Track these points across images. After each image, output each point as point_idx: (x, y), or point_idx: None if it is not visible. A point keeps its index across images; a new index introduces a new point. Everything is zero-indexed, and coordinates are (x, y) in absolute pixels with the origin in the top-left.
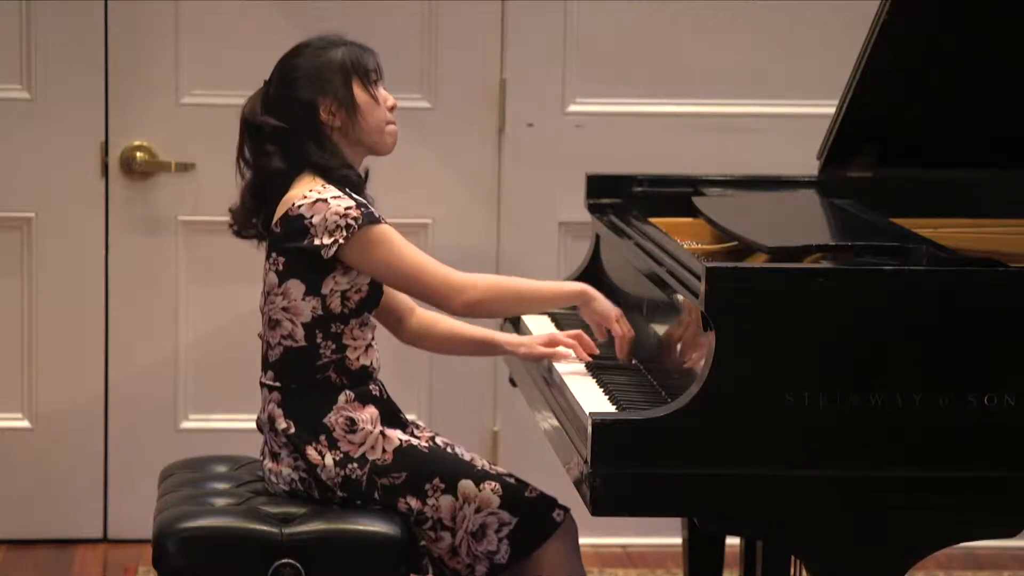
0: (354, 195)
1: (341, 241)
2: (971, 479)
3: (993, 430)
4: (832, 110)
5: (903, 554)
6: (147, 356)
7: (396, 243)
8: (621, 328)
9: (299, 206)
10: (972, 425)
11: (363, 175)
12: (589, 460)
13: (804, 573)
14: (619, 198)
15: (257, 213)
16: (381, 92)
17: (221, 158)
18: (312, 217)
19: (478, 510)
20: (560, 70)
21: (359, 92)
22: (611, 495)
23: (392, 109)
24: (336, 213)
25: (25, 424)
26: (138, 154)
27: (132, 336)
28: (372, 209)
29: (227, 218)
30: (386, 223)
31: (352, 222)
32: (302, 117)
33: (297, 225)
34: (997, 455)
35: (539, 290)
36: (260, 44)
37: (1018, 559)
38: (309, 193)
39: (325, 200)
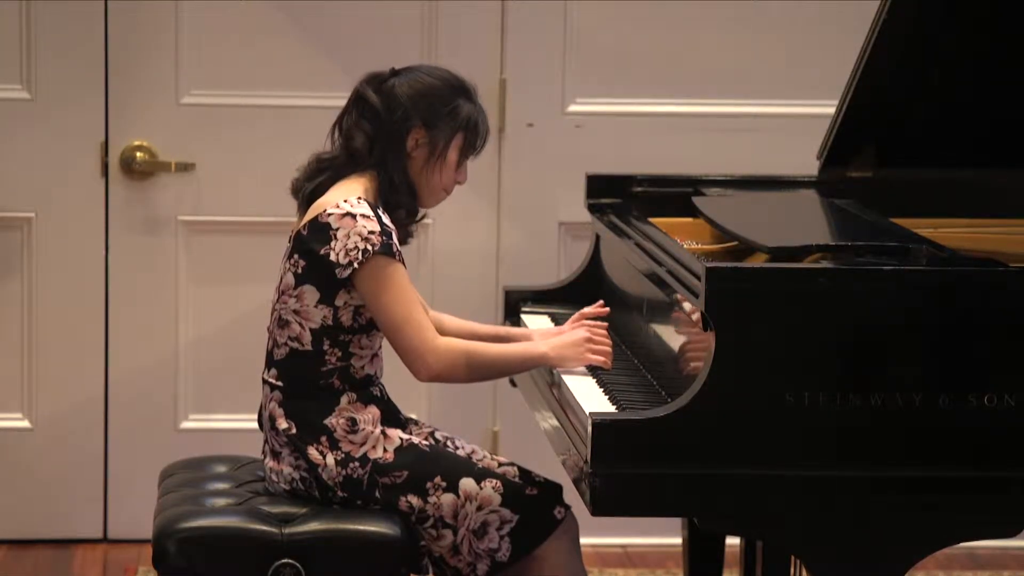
0: (383, 219)
1: (356, 266)
2: (971, 479)
3: (993, 430)
4: (832, 110)
5: (903, 554)
6: (147, 356)
7: (399, 287)
8: (602, 357)
9: (329, 214)
10: (972, 425)
11: (416, 212)
12: (589, 460)
13: (804, 573)
14: (619, 198)
15: (306, 183)
16: (466, 164)
17: (221, 158)
18: (338, 230)
19: (480, 508)
20: (560, 70)
21: (453, 151)
22: (611, 495)
23: (460, 183)
24: (359, 234)
25: (25, 424)
26: (138, 154)
27: (132, 336)
28: (393, 241)
29: (227, 217)
30: (400, 261)
31: (370, 247)
32: (395, 123)
33: (323, 234)
34: (997, 455)
35: (505, 359)
36: (260, 44)
37: (1018, 559)
38: (342, 204)
39: (354, 216)
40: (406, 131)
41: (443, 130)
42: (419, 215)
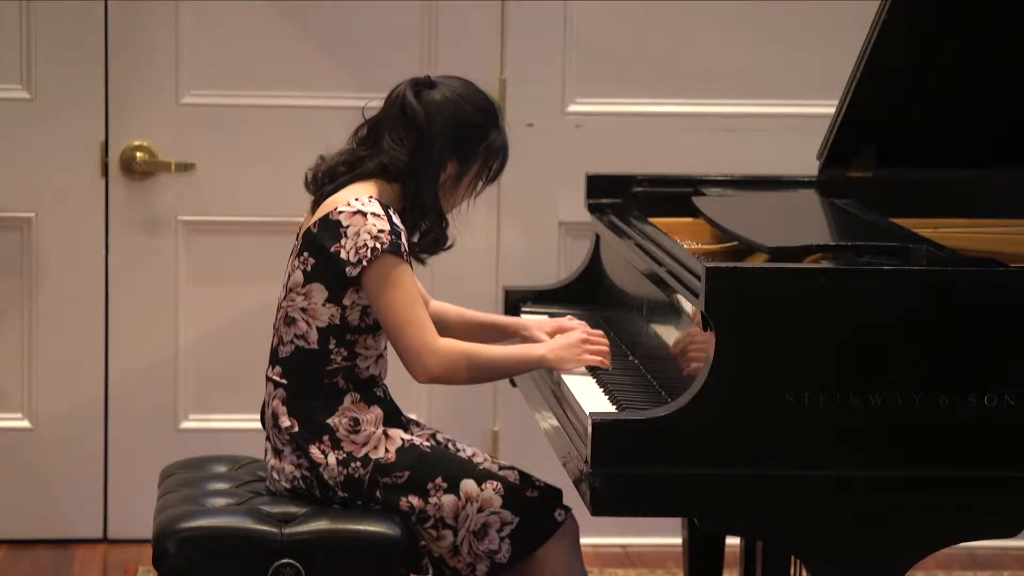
0: (393, 218)
1: (365, 264)
2: (971, 479)
3: (993, 430)
4: (832, 110)
5: (903, 554)
6: (147, 356)
7: (404, 287)
8: (599, 356)
9: (340, 212)
10: (972, 425)
11: (444, 241)
12: (589, 460)
13: (804, 573)
14: (619, 198)
15: (327, 182)
16: (478, 188)
17: (221, 158)
18: (348, 228)
19: (480, 509)
20: (560, 70)
21: (478, 180)
22: (611, 495)
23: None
24: (369, 232)
25: (25, 424)
26: (138, 154)
27: (132, 336)
28: (402, 241)
29: (227, 217)
30: (408, 261)
31: (379, 245)
32: (433, 153)
33: (333, 231)
34: (997, 455)
35: (505, 361)
36: (260, 44)
37: (1018, 559)
38: (353, 202)
39: (365, 214)
40: (443, 164)
41: (474, 163)
42: (448, 243)
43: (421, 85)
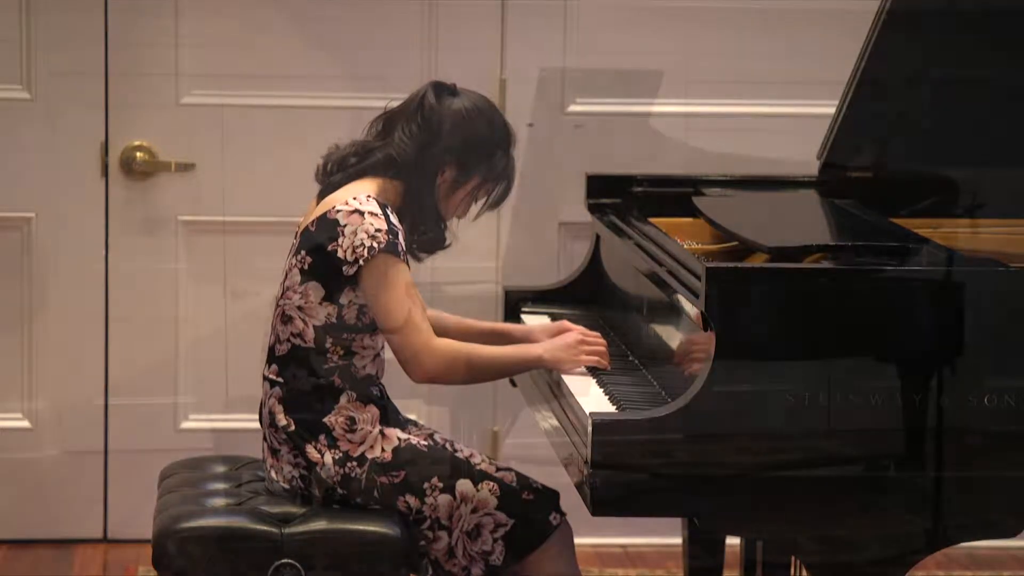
0: (391, 218)
1: (361, 263)
2: (971, 479)
3: (993, 430)
4: (832, 110)
5: (903, 554)
6: (147, 356)
7: (400, 287)
8: (596, 357)
9: (338, 211)
10: (972, 425)
11: (442, 241)
12: (589, 460)
13: (804, 573)
14: (619, 198)
15: (337, 170)
16: (474, 208)
17: (221, 158)
18: (345, 227)
19: (474, 510)
20: (560, 70)
21: (472, 194)
22: (611, 495)
23: (459, 217)
24: (366, 232)
25: (25, 424)
26: (138, 154)
27: (132, 336)
28: (399, 240)
29: (227, 217)
30: (404, 260)
31: (376, 245)
32: (435, 152)
33: (330, 230)
34: (997, 455)
35: (502, 361)
36: (260, 44)
37: (1018, 559)
38: (351, 201)
39: (362, 213)
40: (441, 165)
41: (472, 176)
42: (445, 243)
43: (444, 90)
